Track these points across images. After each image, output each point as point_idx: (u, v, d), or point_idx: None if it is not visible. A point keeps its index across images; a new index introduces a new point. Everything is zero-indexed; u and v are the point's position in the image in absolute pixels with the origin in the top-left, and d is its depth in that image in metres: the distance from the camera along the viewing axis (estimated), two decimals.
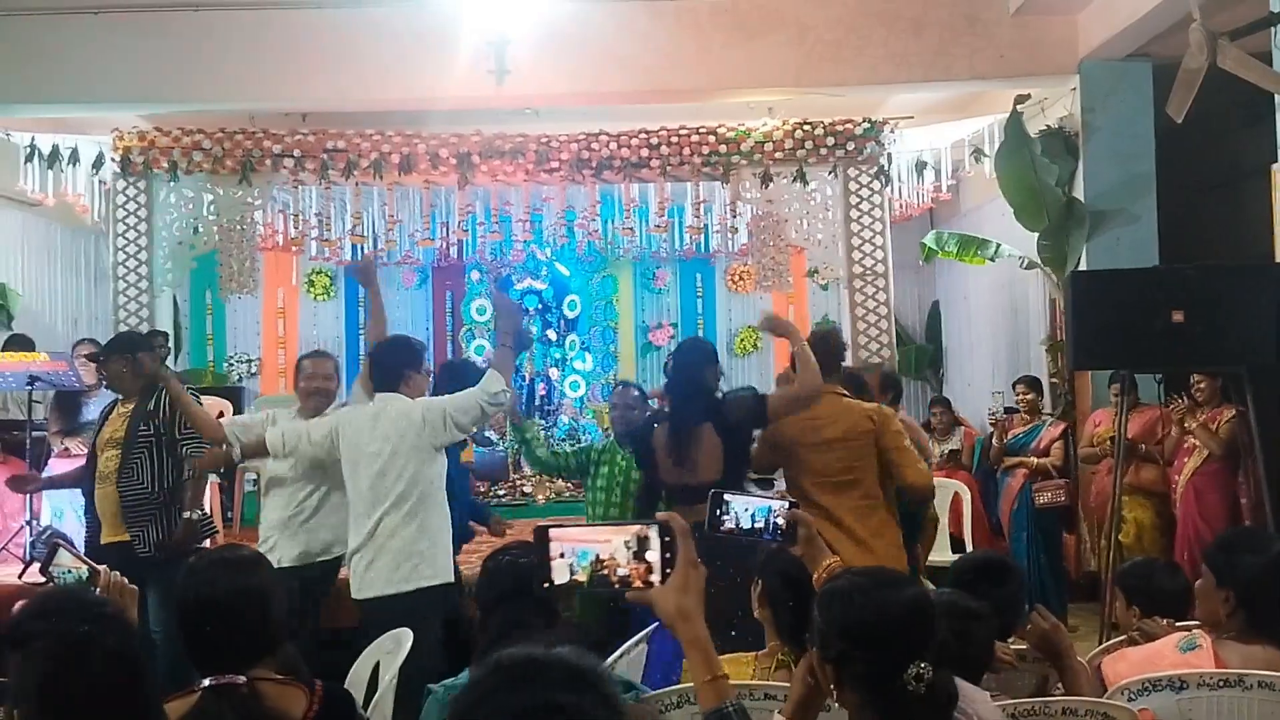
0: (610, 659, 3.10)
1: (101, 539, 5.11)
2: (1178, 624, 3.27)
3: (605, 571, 1.76)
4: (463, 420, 4.36)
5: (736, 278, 11.06)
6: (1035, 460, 7.46)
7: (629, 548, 1.77)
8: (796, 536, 2.41)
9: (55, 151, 8.51)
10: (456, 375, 4.95)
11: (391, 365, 4.45)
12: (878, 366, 7.28)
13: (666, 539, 1.77)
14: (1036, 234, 7.83)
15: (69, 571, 2.88)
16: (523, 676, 1.28)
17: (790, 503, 2.45)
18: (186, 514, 5.07)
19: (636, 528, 1.78)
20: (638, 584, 1.77)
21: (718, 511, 2.35)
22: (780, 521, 2.38)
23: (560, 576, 1.74)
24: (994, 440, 7.88)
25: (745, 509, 2.37)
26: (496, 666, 1.31)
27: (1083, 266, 7.48)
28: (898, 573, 2.19)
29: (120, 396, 5.28)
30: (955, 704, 1.95)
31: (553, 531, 1.76)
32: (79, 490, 6.67)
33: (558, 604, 2.70)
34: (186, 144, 8.61)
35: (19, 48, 7.64)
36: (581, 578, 1.75)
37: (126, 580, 2.75)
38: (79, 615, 1.73)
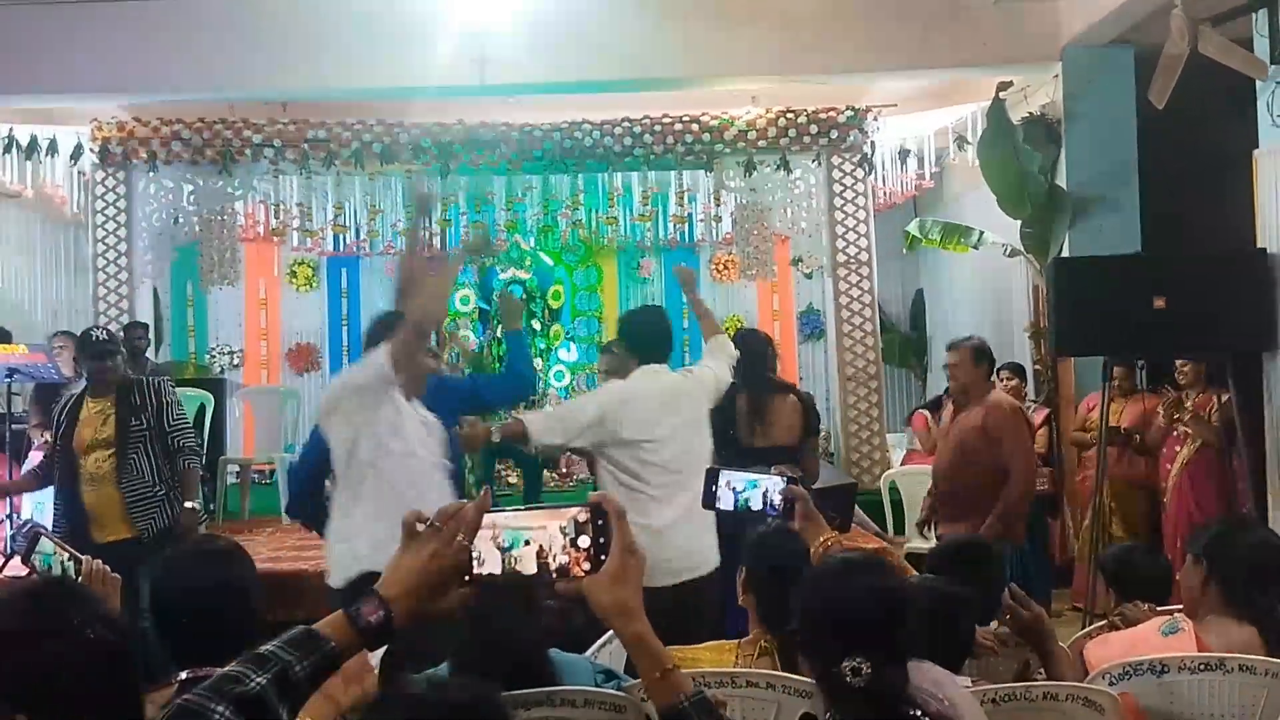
0: (592, 648, 3.10)
1: (95, 538, 4.99)
2: (1159, 608, 3.29)
3: (543, 560, 1.55)
4: None
5: (721, 267, 11.04)
6: None
7: (565, 534, 1.54)
8: (794, 512, 2.39)
9: (33, 142, 8.45)
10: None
11: None
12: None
13: (599, 523, 1.55)
14: (1019, 221, 7.84)
15: (51, 556, 2.86)
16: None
17: (787, 478, 2.43)
18: (188, 504, 5.11)
19: (573, 511, 1.55)
20: (577, 573, 1.55)
21: (712, 488, 2.34)
22: (777, 498, 2.37)
23: (492, 566, 1.54)
24: None
25: (740, 485, 2.35)
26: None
27: (1065, 254, 7.50)
28: (880, 560, 2.17)
29: (76, 393, 5.26)
30: (901, 701, 1.91)
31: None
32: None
33: (537, 590, 2.68)
34: (166, 134, 8.56)
35: None
36: (495, 569, 1.54)
37: (110, 570, 2.74)
38: (63, 604, 1.71)
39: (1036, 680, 2.79)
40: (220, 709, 1.38)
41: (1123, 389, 6.92)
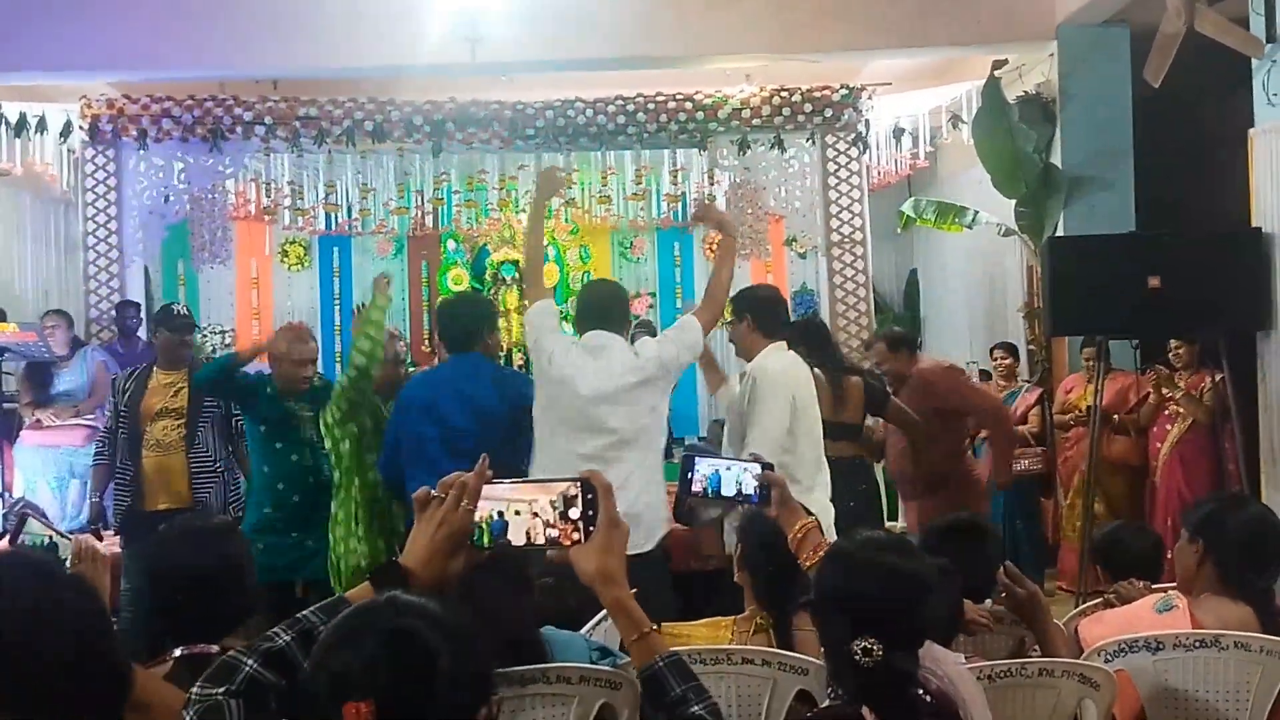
0: (587, 625, 3.09)
1: (148, 506, 5.22)
2: (1154, 586, 3.29)
3: (531, 534, 1.71)
4: None
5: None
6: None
7: (555, 507, 1.70)
8: (769, 498, 2.38)
9: (22, 120, 8.37)
10: None
11: None
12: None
13: (589, 496, 1.70)
14: (1014, 201, 7.83)
15: (40, 536, 2.85)
16: (376, 608, 1.44)
17: (762, 464, 2.42)
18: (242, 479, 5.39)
19: (563, 486, 1.71)
20: (567, 544, 1.71)
21: (688, 475, 2.33)
22: (753, 484, 2.36)
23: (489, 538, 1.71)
24: None
25: (715, 472, 2.34)
26: (356, 606, 1.48)
27: (1060, 233, 7.48)
28: (905, 542, 2.18)
29: (143, 365, 5.52)
30: (913, 682, 1.92)
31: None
32: (53, 461, 6.66)
33: (530, 569, 2.67)
34: (156, 111, 8.49)
35: None
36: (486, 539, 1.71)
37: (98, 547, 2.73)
38: (35, 580, 1.71)
39: (1031, 657, 2.80)
40: (250, 661, 1.57)
41: (1090, 370, 6.97)
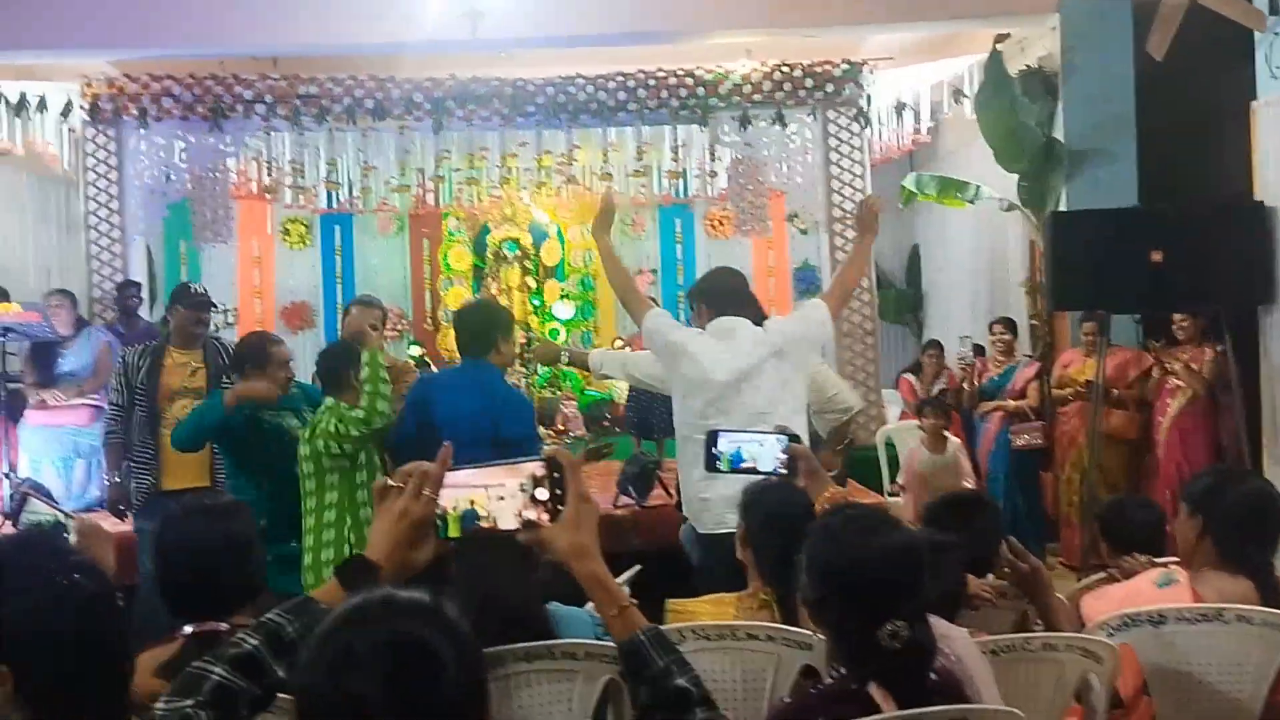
0: (591, 602, 3.11)
1: (168, 485, 5.17)
2: (1155, 560, 3.31)
3: (492, 516, 1.67)
4: None
5: (716, 223, 10.99)
6: (1012, 403, 7.51)
7: (524, 489, 1.68)
8: (797, 469, 2.39)
9: (23, 99, 8.35)
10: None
11: None
12: None
13: (555, 475, 1.68)
14: (1016, 175, 7.81)
15: (43, 515, 2.87)
16: (370, 614, 1.33)
17: (789, 436, 2.43)
18: None
19: (530, 467, 1.69)
20: (538, 522, 1.69)
21: (712, 449, 2.34)
22: (780, 456, 2.36)
23: (455, 528, 1.67)
24: (965, 385, 7.92)
25: (740, 445, 2.35)
26: (346, 607, 1.36)
27: (1062, 207, 7.47)
28: (887, 515, 2.17)
29: (154, 344, 5.47)
30: (932, 657, 1.93)
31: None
32: (58, 440, 6.68)
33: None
34: (156, 90, 8.46)
35: None
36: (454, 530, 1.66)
37: (102, 525, 2.75)
38: (40, 557, 1.72)
39: (1034, 632, 2.81)
40: (217, 669, 1.54)
41: (1086, 345, 6.99)
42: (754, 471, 2.39)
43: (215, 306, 5.68)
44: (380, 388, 4.23)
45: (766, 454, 2.37)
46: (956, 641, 2.08)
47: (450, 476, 1.67)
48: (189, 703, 1.50)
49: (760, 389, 4.01)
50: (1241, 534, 2.86)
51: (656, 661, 1.67)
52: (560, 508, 1.68)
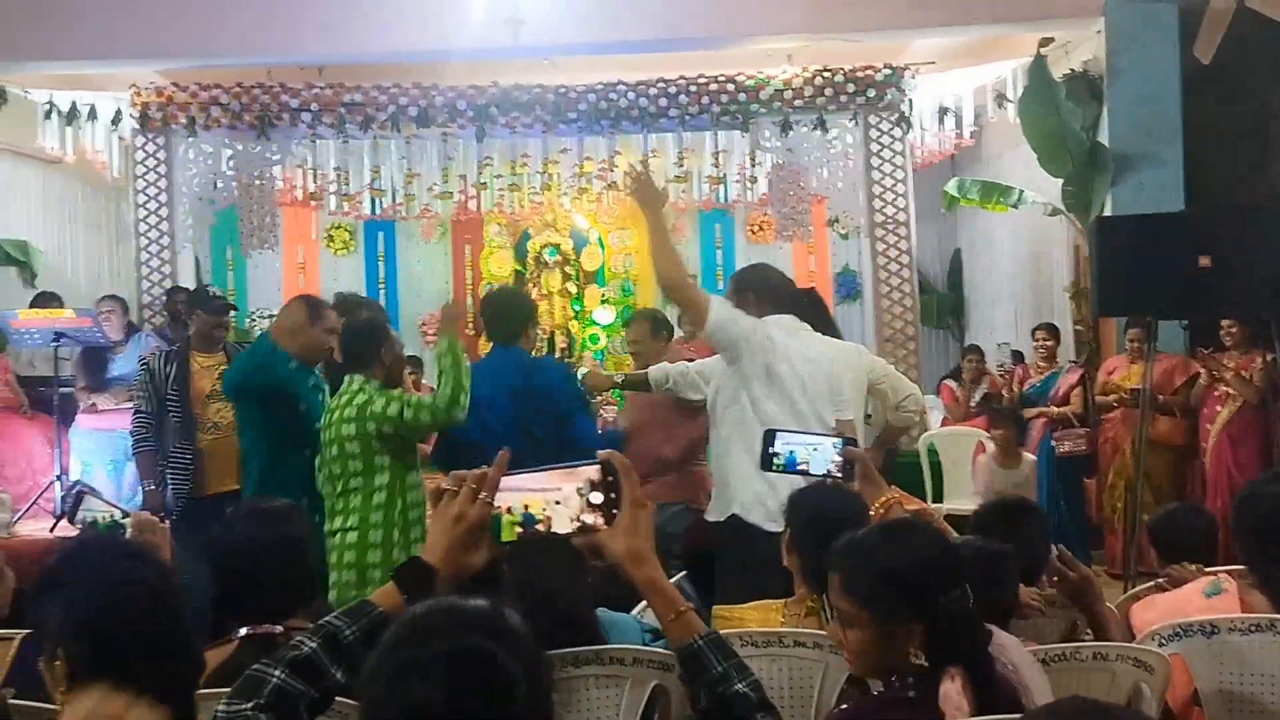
0: (638, 607, 3.12)
1: (211, 489, 5.21)
2: (1205, 569, 3.27)
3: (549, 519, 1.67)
4: None
5: (756, 228, 10.98)
6: (1055, 410, 7.44)
7: (581, 494, 1.67)
8: (854, 473, 2.38)
9: (74, 108, 8.51)
10: None
11: None
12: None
13: (609, 479, 1.67)
14: (1060, 180, 7.76)
15: (96, 520, 2.92)
16: (435, 625, 1.32)
17: (845, 440, 2.43)
18: None
19: (587, 471, 1.68)
20: (594, 527, 1.68)
21: (769, 449, 2.34)
22: (836, 459, 2.36)
23: (510, 532, 1.66)
24: (1006, 392, 7.86)
25: (798, 447, 2.35)
26: (411, 617, 1.36)
27: (1108, 212, 7.41)
28: (911, 523, 2.17)
29: (174, 349, 5.48)
30: (988, 639, 1.93)
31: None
32: (108, 444, 6.77)
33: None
34: (204, 99, 8.59)
35: (36, 4, 7.61)
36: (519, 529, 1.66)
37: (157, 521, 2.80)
38: (114, 557, 1.77)
39: (1084, 641, 2.80)
40: (277, 672, 1.54)
41: (1131, 351, 6.91)
42: (806, 474, 2.39)
43: (235, 310, 5.69)
44: (464, 380, 3.97)
45: (820, 457, 2.37)
46: (1011, 650, 2.07)
47: (506, 480, 1.66)
48: (249, 705, 1.52)
49: (840, 398, 4.00)
50: (1259, 540, 2.82)
51: (716, 666, 1.66)
52: (615, 512, 1.68)
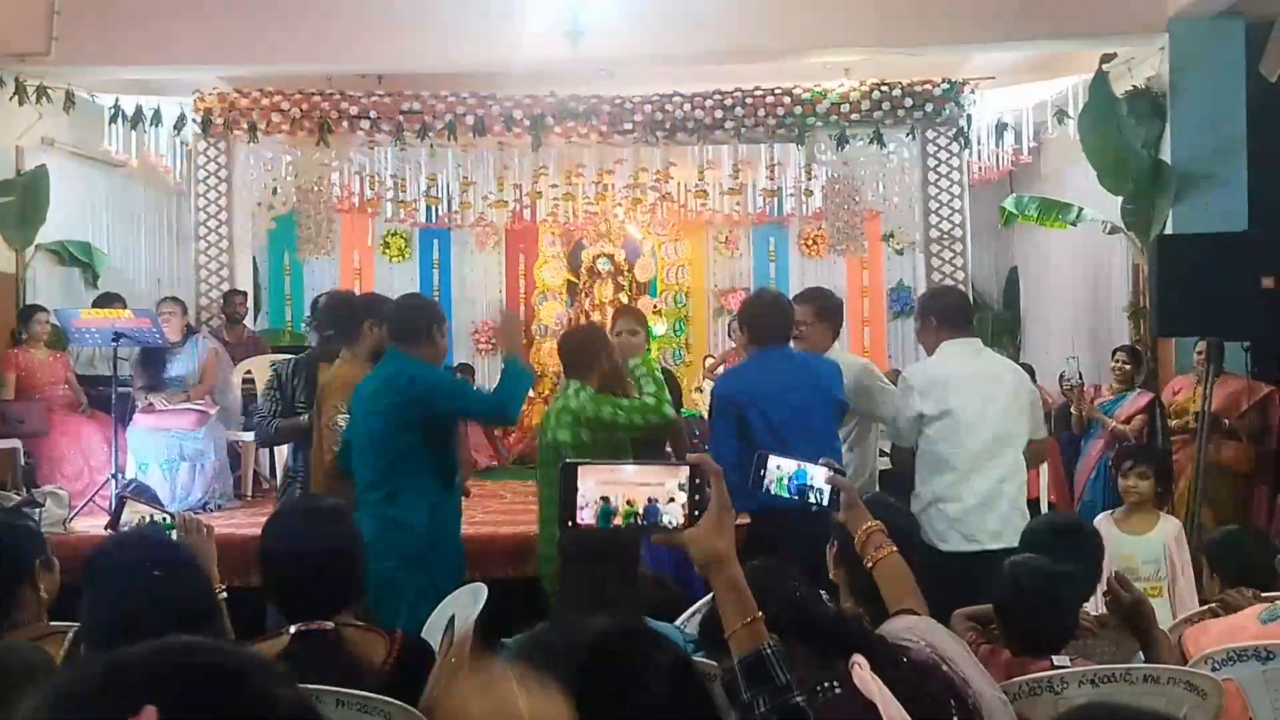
0: (682, 617, 3.11)
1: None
2: (1262, 595, 3.21)
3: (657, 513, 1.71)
4: None
5: (810, 241, 10.95)
6: (1113, 422, 7.30)
7: (683, 489, 1.70)
8: (839, 502, 2.37)
9: (138, 113, 8.66)
10: None
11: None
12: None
13: (697, 481, 1.70)
14: (1120, 198, 7.65)
15: (148, 519, 2.97)
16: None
17: (831, 469, 2.41)
18: None
19: (680, 470, 1.71)
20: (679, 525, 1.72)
21: (760, 473, 2.33)
22: (822, 487, 2.34)
23: (587, 518, 1.68)
24: (1073, 409, 7.73)
25: (787, 472, 2.33)
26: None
27: (1169, 231, 7.29)
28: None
29: (304, 358, 5.41)
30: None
31: (580, 470, 1.69)
32: (164, 444, 6.88)
33: (637, 560, 2.71)
34: (265, 106, 8.72)
35: (102, 10, 7.77)
36: (619, 520, 1.69)
37: (202, 520, 2.84)
38: (148, 556, 1.79)
39: (1135, 664, 2.75)
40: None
41: (1198, 372, 6.76)
42: (797, 500, 2.37)
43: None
44: (663, 394, 4.30)
45: (813, 483, 2.36)
46: (920, 628, 2.08)
47: (615, 472, 1.71)
48: None
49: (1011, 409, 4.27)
50: None
51: (780, 676, 1.69)
52: (698, 513, 1.71)
